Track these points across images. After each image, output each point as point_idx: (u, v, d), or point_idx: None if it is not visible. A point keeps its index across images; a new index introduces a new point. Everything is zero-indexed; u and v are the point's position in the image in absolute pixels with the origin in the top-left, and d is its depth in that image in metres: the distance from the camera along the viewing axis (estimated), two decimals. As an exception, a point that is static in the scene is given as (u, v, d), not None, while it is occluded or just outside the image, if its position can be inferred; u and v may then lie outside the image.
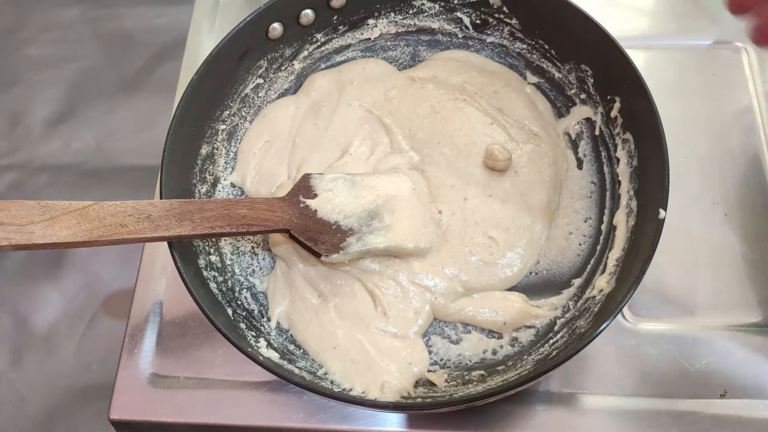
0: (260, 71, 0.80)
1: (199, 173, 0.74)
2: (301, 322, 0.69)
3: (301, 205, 0.62)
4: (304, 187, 0.65)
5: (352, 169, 0.75)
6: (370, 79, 0.82)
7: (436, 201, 0.73)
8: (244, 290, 0.71)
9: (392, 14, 0.85)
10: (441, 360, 0.68)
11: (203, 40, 0.94)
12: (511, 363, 0.66)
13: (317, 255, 0.64)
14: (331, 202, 0.65)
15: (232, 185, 0.78)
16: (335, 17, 0.83)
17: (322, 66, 0.85)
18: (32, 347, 0.84)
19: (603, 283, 0.67)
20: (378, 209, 0.65)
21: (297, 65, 0.84)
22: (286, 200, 0.64)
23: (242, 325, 0.66)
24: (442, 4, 0.83)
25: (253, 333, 0.66)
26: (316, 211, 0.62)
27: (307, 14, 0.80)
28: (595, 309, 0.65)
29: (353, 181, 0.67)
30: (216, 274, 0.69)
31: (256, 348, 0.64)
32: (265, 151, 0.79)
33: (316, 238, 0.63)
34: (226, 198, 0.62)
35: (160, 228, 0.57)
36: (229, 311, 0.66)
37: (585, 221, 0.74)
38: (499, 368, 0.66)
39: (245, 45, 0.77)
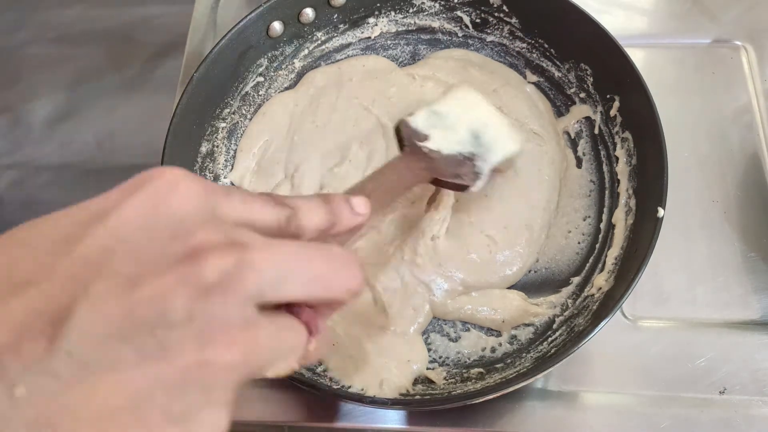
0: (260, 69, 0.81)
1: (199, 171, 0.74)
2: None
3: (425, 149, 0.59)
4: (413, 133, 0.61)
5: (354, 178, 0.74)
6: (369, 76, 0.82)
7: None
8: (244, 288, 0.71)
9: (392, 13, 0.85)
10: (440, 358, 0.68)
11: (203, 40, 0.94)
12: (509, 361, 0.66)
13: (463, 189, 0.61)
14: (444, 137, 0.61)
15: (232, 184, 0.78)
16: (336, 16, 0.83)
17: (323, 64, 0.85)
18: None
19: (602, 281, 0.67)
20: (475, 127, 0.63)
21: (297, 63, 0.84)
22: (413, 153, 0.60)
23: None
24: (443, 3, 0.83)
25: (252, 330, 0.66)
26: (439, 150, 0.59)
27: (308, 13, 0.80)
28: (594, 307, 0.65)
29: (440, 113, 0.64)
30: (216, 271, 0.69)
31: (255, 345, 0.64)
32: (264, 150, 0.79)
33: (456, 173, 0.60)
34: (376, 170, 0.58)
35: None
36: (229, 309, 0.66)
37: (584, 220, 0.74)
38: (498, 366, 0.66)
39: (245, 43, 0.77)
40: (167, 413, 0.27)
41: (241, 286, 0.28)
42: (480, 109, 0.65)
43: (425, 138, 0.59)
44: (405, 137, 0.60)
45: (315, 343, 0.35)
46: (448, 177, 0.60)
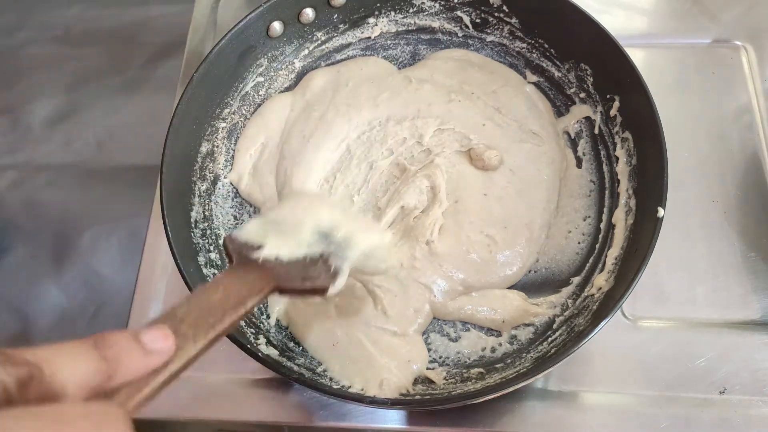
0: (260, 69, 0.81)
1: (199, 171, 0.74)
2: (300, 319, 0.69)
3: (258, 259, 0.52)
4: (242, 246, 0.53)
5: (337, 189, 0.75)
6: (365, 81, 0.82)
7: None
8: (244, 288, 0.71)
9: (392, 13, 0.85)
10: (440, 358, 0.68)
11: (203, 40, 0.94)
12: (509, 361, 0.66)
13: (320, 293, 0.53)
14: (284, 243, 0.54)
15: (231, 184, 0.78)
16: (336, 16, 0.83)
17: (323, 64, 0.85)
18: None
19: (602, 281, 0.67)
20: (323, 228, 0.56)
21: (297, 63, 0.84)
22: (242, 265, 0.52)
23: (242, 322, 0.66)
24: (443, 3, 0.83)
25: (252, 330, 0.66)
26: (277, 256, 0.52)
27: (308, 13, 0.80)
28: (594, 307, 0.65)
29: (276, 220, 0.57)
30: (216, 271, 0.69)
31: (255, 345, 0.64)
32: (260, 153, 0.79)
33: (305, 277, 0.53)
34: (193, 292, 0.49)
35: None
36: (229, 309, 0.66)
37: (584, 220, 0.74)
38: (498, 366, 0.66)
39: (246, 43, 0.77)
40: None
41: None
42: (323, 208, 0.58)
43: (258, 247, 0.52)
44: (232, 252, 0.53)
45: None
46: (295, 283, 0.52)
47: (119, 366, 0.32)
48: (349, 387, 0.64)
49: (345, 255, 0.54)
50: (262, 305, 0.70)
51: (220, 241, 0.73)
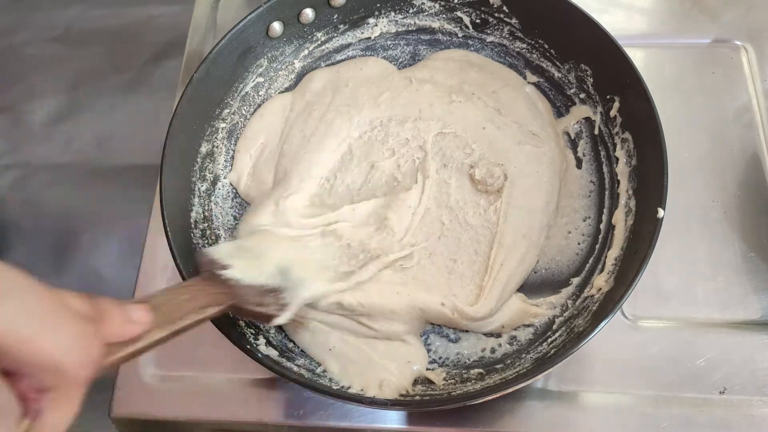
0: (260, 70, 0.81)
1: (199, 171, 0.74)
2: (291, 328, 0.68)
3: (222, 277, 0.56)
4: (211, 262, 0.58)
5: (337, 189, 0.74)
6: (365, 81, 0.81)
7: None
8: (244, 288, 0.71)
9: (392, 13, 0.85)
10: (440, 358, 0.68)
11: (203, 40, 0.94)
12: (509, 361, 0.66)
13: (267, 320, 0.59)
14: (249, 268, 0.59)
15: (231, 184, 0.78)
16: (335, 16, 0.83)
17: (323, 65, 0.85)
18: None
19: (601, 282, 0.67)
20: (284, 265, 0.62)
21: (297, 64, 0.84)
22: (209, 278, 0.57)
23: (241, 323, 0.66)
24: (443, 3, 0.83)
25: (252, 330, 0.66)
26: (240, 279, 0.57)
27: (307, 13, 0.80)
28: (594, 308, 0.65)
29: (246, 247, 0.63)
30: (216, 272, 0.69)
31: (255, 345, 0.64)
32: (260, 153, 0.79)
33: (259, 302, 0.58)
34: (169, 287, 0.53)
35: None
36: (229, 309, 0.67)
37: (584, 220, 0.74)
38: (498, 367, 0.66)
39: (246, 44, 0.77)
40: None
41: None
42: (290, 249, 0.65)
43: (225, 267, 0.57)
44: (203, 266, 0.58)
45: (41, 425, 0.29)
46: (250, 304, 0.57)
47: (103, 319, 0.35)
48: (349, 388, 0.64)
49: (296, 293, 0.61)
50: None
51: (220, 242, 0.73)
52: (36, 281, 0.29)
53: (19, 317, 0.27)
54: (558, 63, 0.80)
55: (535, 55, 0.82)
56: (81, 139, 0.99)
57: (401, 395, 0.63)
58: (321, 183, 0.75)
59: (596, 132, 0.77)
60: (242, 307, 0.57)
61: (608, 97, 0.75)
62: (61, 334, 0.28)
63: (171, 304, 0.50)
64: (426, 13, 0.85)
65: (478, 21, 0.84)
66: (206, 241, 0.71)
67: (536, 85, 0.82)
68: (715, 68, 0.86)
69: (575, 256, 0.72)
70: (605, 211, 0.73)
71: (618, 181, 0.73)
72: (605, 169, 0.75)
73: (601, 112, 0.76)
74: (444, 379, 0.65)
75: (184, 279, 0.61)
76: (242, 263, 0.58)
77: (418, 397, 0.63)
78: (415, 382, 0.65)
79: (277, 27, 0.79)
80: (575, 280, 0.70)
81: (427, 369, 0.66)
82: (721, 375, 0.68)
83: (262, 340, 0.65)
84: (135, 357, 0.44)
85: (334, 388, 0.63)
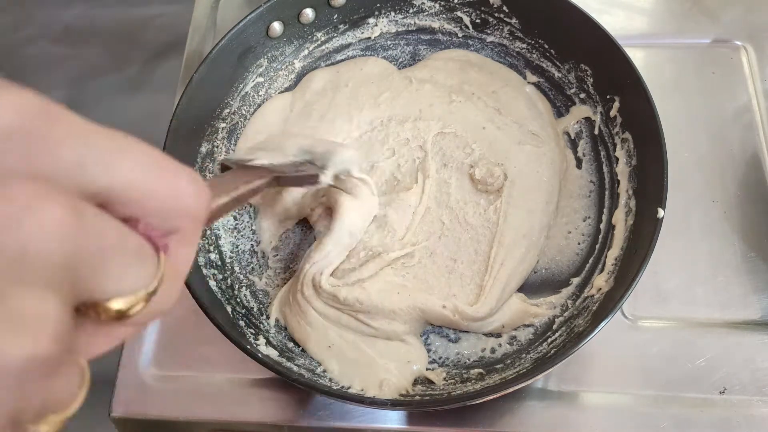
0: (260, 70, 0.81)
1: (199, 171, 0.74)
2: (294, 320, 0.69)
3: (254, 166, 0.57)
4: (237, 161, 0.59)
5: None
6: (365, 81, 0.82)
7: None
8: (244, 288, 0.71)
9: (392, 13, 0.85)
10: (440, 358, 0.68)
11: (203, 40, 0.94)
12: (509, 361, 0.66)
13: (315, 180, 0.60)
14: (273, 157, 0.59)
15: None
16: (335, 16, 0.83)
17: (322, 65, 0.85)
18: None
19: (602, 282, 0.67)
20: (304, 147, 0.62)
21: (297, 64, 0.84)
22: (245, 167, 0.58)
23: (241, 323, 0.66)
24: (443, 3, 0.83)
25: (252, 330, 0.66)
26: (269, 163, 0.57)
27: (307, 13, 0.80)
28: (594, 308, 0.65)
29: (262, 147, 0.63)
30: (215, 272, 0.69)
31: (255, 345, 0.64)
32: (260, 153, 0.79)
33: (299, 170, 0.60)
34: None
35: None
36: (229, 309, 0.67)
37: (584, 220, 0.74)
38: (498, 366, 0.66)
39: (246, 44, 0.77)
40: None
41: (52, 147, 0.25)
42: (302, 138, 0.66)
43: (250, 161, 0.58)
44: (231, 165, 0.59)
45: (167, 268, 0.29)
46: (290, 173, 0.59)
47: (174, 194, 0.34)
48: (349, 388, 0.64)
49: (329, 159, 0.61)
50: (261, 306, 0.70)
51: (221, 242, 0.73)
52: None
53: (142, 169, 0.28)
54: (558, 63, 0.80)
55: (535, 55, 0.82)
56: (81, 139, 0.99)
57: (401, 395, 0.63)
58: None
59: (596, 132, 0.77)
60: (284, 176, 0.58)
61: (608, 97, 0.75)
62: (182, 181, 0.30)
63: (219, 182, 0.51)
64: (426, 13, 0.85)
65: (478, 21, 0.84)
66: (206, 241, 0.71)
67: (536, 85, 0.82)
68: (715, 68, 0.86)
69: (575, 256, 0.72)
70: (605, 211, 0.73)
71: (618, 181, 0.73)
72: (605, 169, 0.75)
73: (601, 112, 0.76)
74: (444, 379, 0.65)
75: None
76: (265, 154, 0.58)
77: (418, 397, 0.63)
78: (415, 382, 0.65)
79: (277, 27, 0.79)
80: (575, 280, 0.70)
81: (427, 369, 0.66)
82: (721, 375, 0.68)
83: (262, 341, 0.65)
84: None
85: (335, 388, 0.63)
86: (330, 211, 0.70)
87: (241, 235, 0.74)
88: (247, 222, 0.75)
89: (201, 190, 0.31)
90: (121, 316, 0.27)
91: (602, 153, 0.76)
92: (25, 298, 0.23)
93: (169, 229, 0.31)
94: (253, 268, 0.73)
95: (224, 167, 0.60)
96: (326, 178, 0.61)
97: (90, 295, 0.26)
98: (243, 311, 0.68)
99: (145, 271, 0.28)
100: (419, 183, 0.73)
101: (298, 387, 0.59)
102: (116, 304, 0.27)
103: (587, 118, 0.78)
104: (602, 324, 0.57)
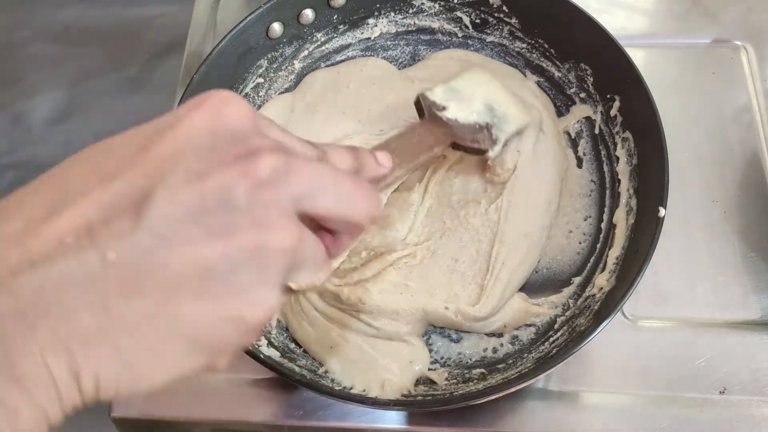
0: (260, 71, 0.80)
1: (199, 172, 0.74)
2: (295, 321, 0.69)
3: (443, 118, 0.63)
4: (431, 104, 0.65)
5: None
6: (366, 82, 0.81)
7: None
8: (245, 289, 0.71)
9: (392, 14, 0.85)
10: (441, 358, 0.68)
11: (203, 40, 0.94)
12: (511, 361, 0.66)
13: (482, 153, 0.66)
14: (461, 109, 0.65)
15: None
16: (335, 16, 0.83)
17: (322, 65, 0.85)
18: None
19: (603, 281, 0.67)
20: (489, 101, 0.67)
21: (297, 64, 0.84)
22: (432, 120, 0.65)
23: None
24: (442, 3, 0.83)
25: (253, 331, 0.66)
26: (456, 119, 0.63)
27: (307, 14, 0.80)
28: (595, 307, 0.65)
29: (455, 89, 0.67)
30: (216, 272, 0.69)
31: (256, 346, 0.64)
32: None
33: (474, 139, 0.65)
34: (398, 133, 0.62)
35: None
36: (230, 309, 0.66)
37: (585, 220, 0.74)
38: (500, 366, 0.66)
39: (245, 44, 0.77)
40: (227, 284, 0.32)
41: (287, 184, 0.33)
42: (491, 86, 0.69)
43: (443, 108, 0.63)
44: (425, 107, 0.65)
45: (329, 267, 0.39)
46: (466, 142, 0.65)
47: (362, 168, 0.43)
48: (351, 388, 0.64)
49: (503, 128, 0.66)
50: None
51: None
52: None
53: (335, 200, 0.36)
54: (558, 62, 0.80)
55: (535, 55, 0.82)
56: (81, 139, 0.99)
57: (403, 395, 0.63)
58: None
59: (597, 131, 0.77)
60: (460, 144, 0.65)
61: (608, 96, 0.75)
62: (363, 208, 0.38)
63: (405, 147, 0.58)
64: (426, 13, 0.85)
65: (477, 21, 0.84)
66: (207, 242, 0.71)
67: (536, 84, 0.82)
68: (715, 68, 0.86)
69: (576, 256, 0.72)
70: (606, 210, 0.73)
71: (619, 180, 0.73)
72: (606, 168, 0.76)
73: (601, 112, 0.76)
74: (446, 379, 0.65)
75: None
76: (455, 104, 0.64)
77: (420, 398, 0.63)
78: (417, 383, 0.65)
79: (277, 28, 0.79)
80: (577, 280, 0.70)
81: (429, 369, 0.66)
82: (721, 375, 0.68)
83: (263, 341, 0.65)
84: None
85: (337, 389, 0.63)
86: None
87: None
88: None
89: (374, 209, 0.39)
90: (293, 291, 0.37)
91: (603, 152, 0.76)
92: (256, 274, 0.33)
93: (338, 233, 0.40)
94: (253, 268, 0.73)
95: (418, 102, 0.65)
96: (493, 153, 0.66)
97: (287, 281, 0.35)
98: (244, 311, 0.68)
99: (322, 275, 0.38)
100: (421, 183, 0.73)
101: (298, 387, 0.59)
102: (294, 286, 0.36)
103: (587, 118, 0.78)
104: (604, 323, 0.57)
